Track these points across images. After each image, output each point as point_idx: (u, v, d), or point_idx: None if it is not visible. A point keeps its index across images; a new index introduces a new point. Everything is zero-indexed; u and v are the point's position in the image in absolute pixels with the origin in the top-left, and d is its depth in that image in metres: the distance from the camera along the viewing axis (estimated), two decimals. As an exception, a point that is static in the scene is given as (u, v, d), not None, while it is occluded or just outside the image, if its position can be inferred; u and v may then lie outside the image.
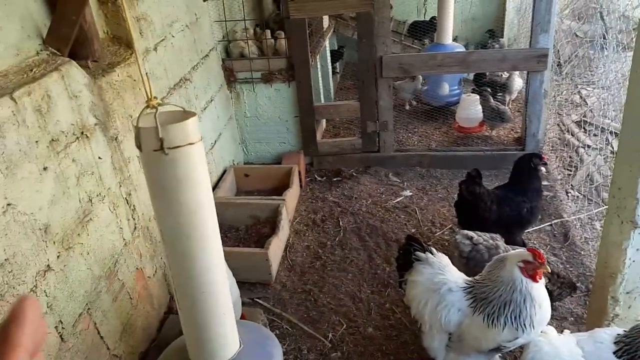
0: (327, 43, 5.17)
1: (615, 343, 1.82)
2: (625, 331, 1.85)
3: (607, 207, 2.26)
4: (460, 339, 2.00)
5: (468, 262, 2.51)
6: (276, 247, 3.15)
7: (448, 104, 5.00)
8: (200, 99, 3.62)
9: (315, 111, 4.21)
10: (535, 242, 3.19)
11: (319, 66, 4.87)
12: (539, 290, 1.91)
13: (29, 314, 0.70)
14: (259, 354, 1.53)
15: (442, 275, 2.09)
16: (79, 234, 2.10)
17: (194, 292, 1.35)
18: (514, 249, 2.48)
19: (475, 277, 2.09)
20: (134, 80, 2.61)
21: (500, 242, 2.57)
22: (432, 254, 2.17)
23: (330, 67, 5.40)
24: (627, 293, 2.25)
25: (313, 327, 2.76)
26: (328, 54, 5.29)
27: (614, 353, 1.78)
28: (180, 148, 1.30)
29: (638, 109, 1.95)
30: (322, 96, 4.88)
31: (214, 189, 3.70)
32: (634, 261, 2.16)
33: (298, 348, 2.63)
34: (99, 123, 2.30)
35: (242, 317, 2.45)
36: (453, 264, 2.53)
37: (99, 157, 2.29)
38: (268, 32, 4.18)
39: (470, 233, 2.59)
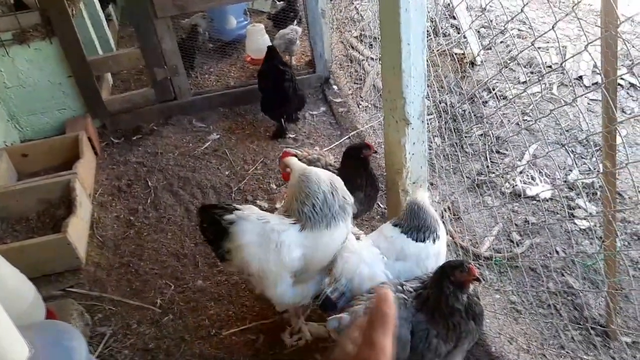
0: (90, -13, 4.51)
1: (395, 226, 2.03)
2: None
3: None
4: (306, 269, 1.97)
5: None
6: (78, 227, 2.81)
7: (239, 37, 4.87)
8: None
9: (92, 66, 3.72)
10: (338, 157, 3.39)
11: (86, 15, 4.26)
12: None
13: (390, 314, 0.77)
14: (56, 352, 1.35)
15: (266, 223, 1.95)
16: None
17: None
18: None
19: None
20: None
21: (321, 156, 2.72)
22: (239, 209, 1.98)
23: (101, 14, 4.78)
24: (414, 183, 2.53)
25: (139, 298, 2.59)
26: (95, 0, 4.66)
27: (405, 234, 1.98)
28: None
29: (388, 14, 2.08)
30: (98, 48, 4.34)
31: (-16, 180, 3.11)
32: (413, 154, 2.42)
33: (127, 325, 2.45)
34: None
35: (50, 314, 2.15)
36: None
37: None
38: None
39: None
